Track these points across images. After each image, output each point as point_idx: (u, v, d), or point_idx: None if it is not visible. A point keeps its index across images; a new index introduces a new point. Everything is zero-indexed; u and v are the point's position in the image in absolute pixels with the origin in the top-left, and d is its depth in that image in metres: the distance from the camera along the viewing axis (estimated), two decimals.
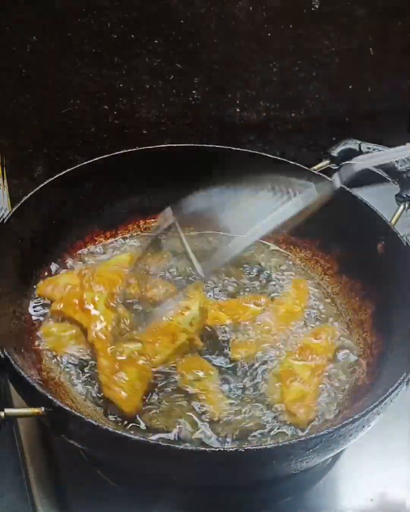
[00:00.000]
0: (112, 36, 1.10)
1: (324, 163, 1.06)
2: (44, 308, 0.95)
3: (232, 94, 1.23)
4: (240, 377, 0.87)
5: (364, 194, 1.00)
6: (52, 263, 1.00)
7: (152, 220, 1.09)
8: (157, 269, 0.97)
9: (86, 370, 0.87)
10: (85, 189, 1.03)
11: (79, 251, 1.05)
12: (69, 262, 1.02)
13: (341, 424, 0.70)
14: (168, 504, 0.81)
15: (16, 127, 1.13)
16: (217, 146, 1.06)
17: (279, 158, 1.04)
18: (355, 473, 0.88)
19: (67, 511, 0.81)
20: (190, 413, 0.83)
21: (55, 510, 0.81)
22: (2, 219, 0.90)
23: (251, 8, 1.14)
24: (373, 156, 0.76)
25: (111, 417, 0.82)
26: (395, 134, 1.05)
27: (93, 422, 0.68)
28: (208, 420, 0.82)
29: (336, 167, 1.05)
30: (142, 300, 0.95)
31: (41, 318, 0.93)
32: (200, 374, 0.86)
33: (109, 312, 0.89)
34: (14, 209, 0.92)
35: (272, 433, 0.81)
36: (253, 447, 0.68)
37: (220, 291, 1.00)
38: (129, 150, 1.04)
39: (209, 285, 1.01)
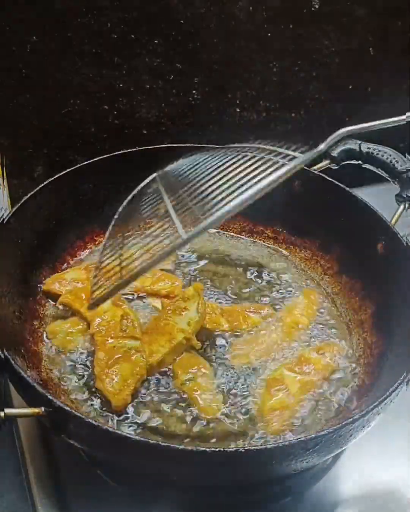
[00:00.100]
0: (112, 36, 1.10)
1: (324, 163, 1.06)
2: (44, 308, 0.95)
3: (232, 94, 1.23)
4: (232, 379, 0.88)
5: (364, 194, 1.00)
6: (52, 263, 1.01)
7: (153, 220, 1.09)
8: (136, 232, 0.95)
9: (86, 370, 0.87)
10: (85, 189, 1.04)
11: (79, 251, 1.05)
12: (69, 262, 1.03)
13: (341, 424, 0.70)
14: (168, 504, 0.81)
15: (16, 127, 1.13)
16: (217, 146, 1.06)
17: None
18: (355, 473, 0.88)
19: (67, 511, 0.81)
20: (180, 410, 0.83)
21: (55, 510, 0.81)
22: (2, 219, 0.90)
23: (251, 8, 1.14)
24: (363, 124, 0.75)
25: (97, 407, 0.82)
26: (395, 134, 1.05)
27: (93, 422, 0.68)
28: (197, 418, 0.82)
29: (336, 167, 1.05)
30: (147, 293, 0.97)
31: (42, 318, 0.94)
32: (195, 371, 0.86)
33: (114, 308, 0.91)
34: (14, 209, 0.92)
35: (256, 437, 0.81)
36: (253, 447, 0.68)
37: (219, 291, 1.01)
38: (129, 150, 1.05)
39: (208, 285, 1.01)
